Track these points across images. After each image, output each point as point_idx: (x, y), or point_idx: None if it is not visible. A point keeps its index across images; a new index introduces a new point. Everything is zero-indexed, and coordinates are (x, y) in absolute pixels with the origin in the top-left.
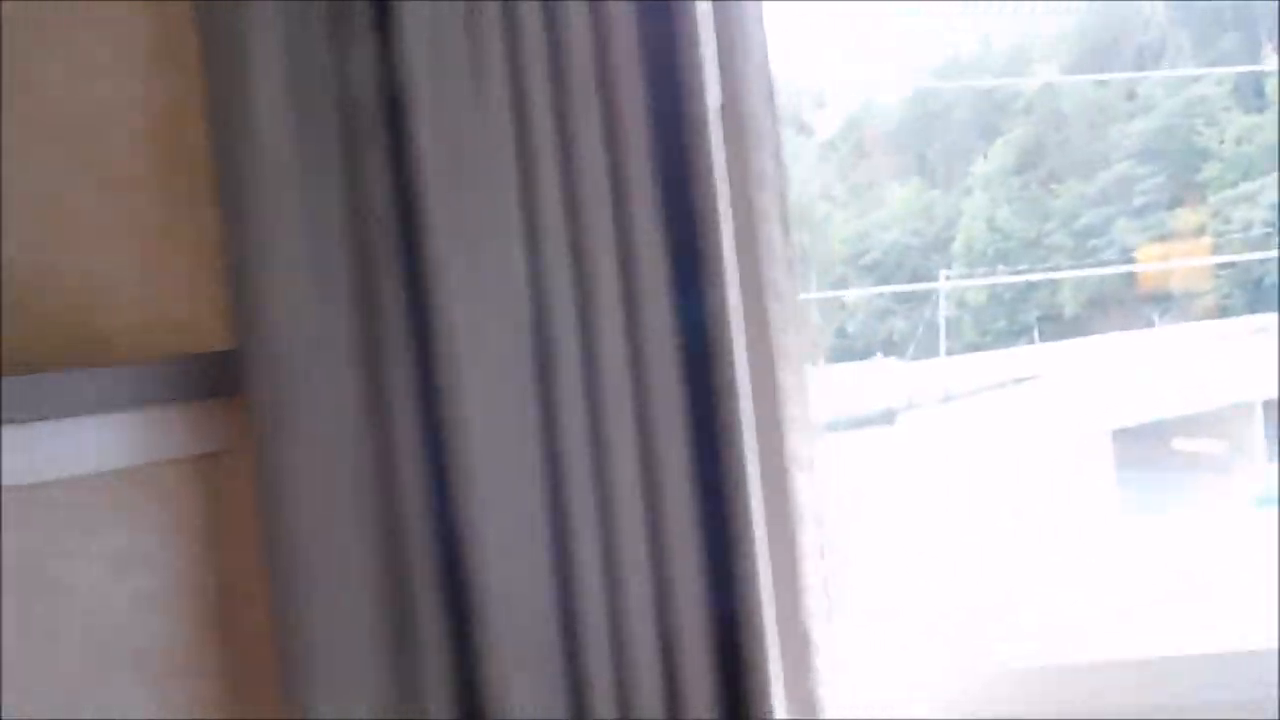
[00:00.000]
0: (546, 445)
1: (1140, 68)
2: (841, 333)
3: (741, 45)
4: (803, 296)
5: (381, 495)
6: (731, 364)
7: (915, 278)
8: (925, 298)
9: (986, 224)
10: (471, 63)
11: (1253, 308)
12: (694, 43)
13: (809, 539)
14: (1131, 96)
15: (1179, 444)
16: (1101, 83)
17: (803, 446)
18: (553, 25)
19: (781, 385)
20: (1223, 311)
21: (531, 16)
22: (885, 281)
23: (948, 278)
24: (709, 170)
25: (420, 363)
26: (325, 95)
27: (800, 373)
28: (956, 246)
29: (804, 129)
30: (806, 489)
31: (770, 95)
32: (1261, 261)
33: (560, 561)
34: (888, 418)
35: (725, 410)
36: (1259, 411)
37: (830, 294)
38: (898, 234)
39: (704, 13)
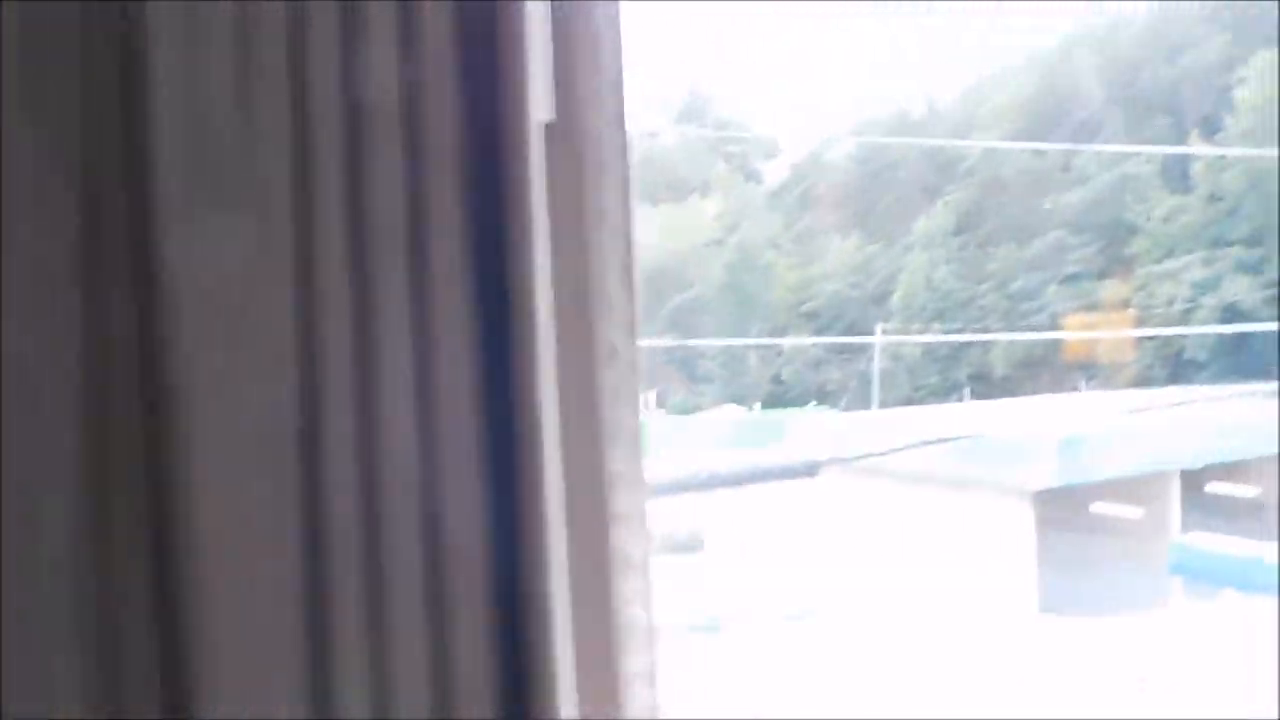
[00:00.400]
0: (308, 528)
1: (1076, 143)
2: (777, 379)
3: (587, 52)
4: (741, 341)
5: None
6: (540, 447)
7: (852, 329)
8: (861, 350)
9: (924, 281)
10: (236, 60)
11: (1173, 380)
12: (519, 46)
13: (631, 587)
14: (1067, 169)
15: (1097, 508)
16: (1040, 153)
17: (627, 502)
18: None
19: (609, 446)
20: (1145, 382)
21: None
22: (823, 331)
23: (884, 331)
24: (525, 201)
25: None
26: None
27: (631, 440)
28: (894, 301)
29: (753, 176)
30: (629, 544)
31: (620, 117)
32: (1182, 336)
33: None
34: (811, 469)
35: (530, 504)
36: (1176, 481)
37: (768, 340)
38: (838, 285)
39: (538, 12)
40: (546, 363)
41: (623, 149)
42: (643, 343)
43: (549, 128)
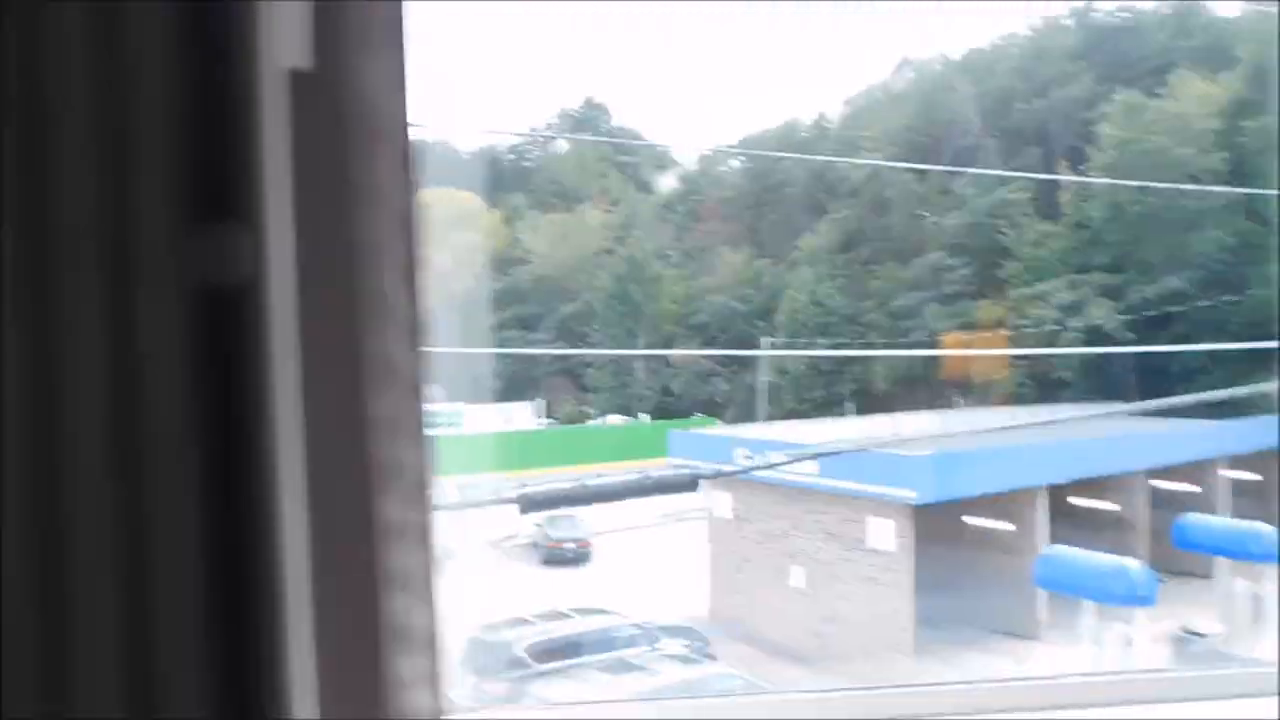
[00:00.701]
0: None
1: (956, 167)
2: (666, 391)
3: None
4: (630, 353)
5: None
6: (275, 484)
7: (740, 343)
8: (749, 363)
9: (810, 297)
10: None
11: (1043, 398)
12: None
13: (399, 606)
14: (946, 192)
15: (971, 521)
16: (921, 176)
17: (404, 514)
18: None
19: (381, 483)
20: (1016, 400)
21: None
22: (711, 344)
23: (771, 346)
24: (255, 167)
25: None
26: None
27: (413, 481)
28: (781, 316)
29: (644, 187)
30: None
31: (400, 75)
32: (1051, 356)
33: None
34: (691, 483)
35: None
36: (1044, 496)
37: (657, 352)
38: (726, 298)
39: None
40: (285, 380)
41: (403, 115)
42: (526, 350)
43: (298, 77)
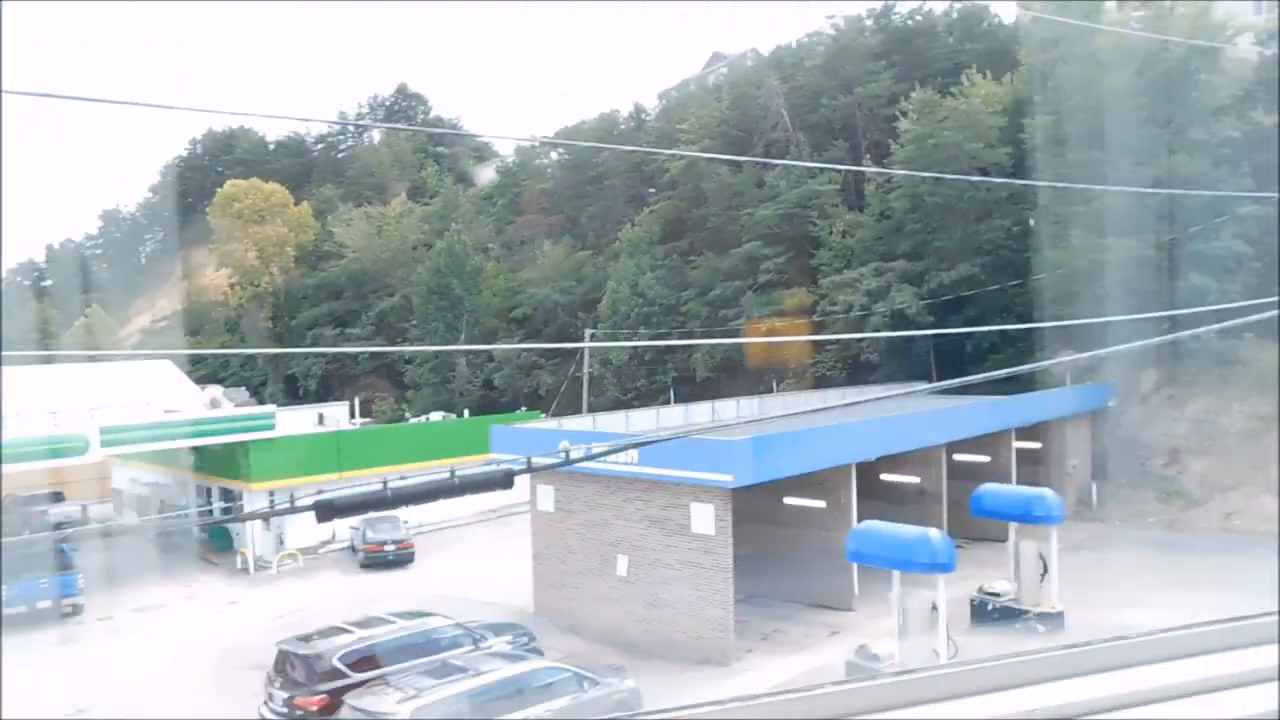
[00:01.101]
0: None
1: (768, 160)
2: (489, 384)
3: None
4: (445, 348)
5: None
6: None
7: (563, 334)
8: (571, 355)
9: (631, 288)
10: None
11: (852, 380)
12: None
13: None
14: (760, 184)
15: (788, 500)
16: (736, 168)
17: None
18: None
19: None
20: (827, 383)
21: None
22: (534, 336)
23: (593, 336)
24: None
25: None
26: None
27: None
28: (603, 307)
29: (463, 179)
30: None
31: None
32: (858, 340)
33: None
34: (504, 481)
35: None
36: (853, 473)
37: (478, 347)
38: (548, 291)
39: None
40: None
41: None
42: (341, 349)
43: None
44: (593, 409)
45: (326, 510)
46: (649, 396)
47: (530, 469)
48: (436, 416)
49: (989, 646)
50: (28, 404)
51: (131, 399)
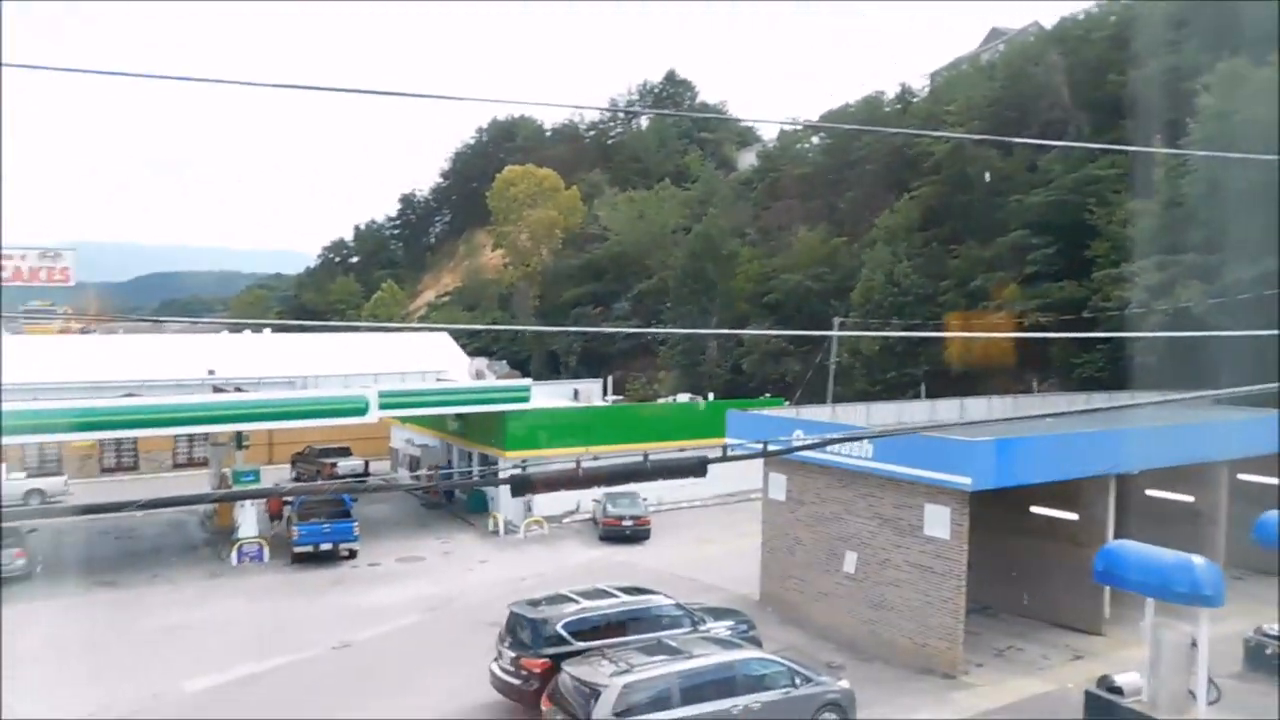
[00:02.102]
0: None
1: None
2: (737, 369)
3: None
4: (703, 331)
5: None
6: None
7: (813, 322)
8: (820, 343)
9: (886, 276)
10: None
11: (1122, 384)
12: None
13: None
14: (1033, 168)
15: (1034, 510)
16: (1007, 152)
17: None
18: None
19: None
20: (1096, 384)
21: None
22: (785, 323)
23: (843, 325)
24: None
25: None
26: None
27: None
28: (855, 295)
29: (724, 164)
30: None
31: None
32: (1132, 340)
33: None
34: (698, 468)
35: None
36: (1112, 486)
37: (729, 331)
38: (801, 277)
39: None
40: None
41: None
42: (601, 329)
43: None
44: (838, 399)
45: (522, 485)
46: (898, 389)
47: (741, 456)
48: (684, 398)
49: (1262, 699)
50: (324, 368)
51: (409, 367)
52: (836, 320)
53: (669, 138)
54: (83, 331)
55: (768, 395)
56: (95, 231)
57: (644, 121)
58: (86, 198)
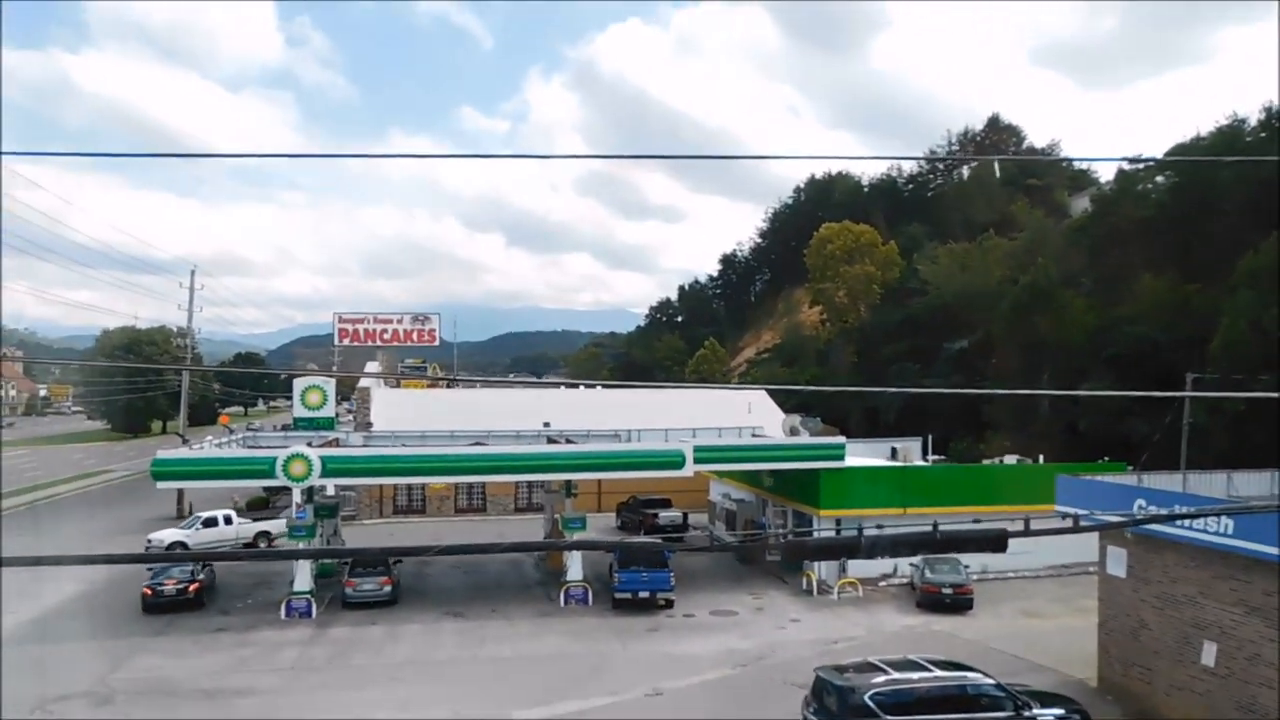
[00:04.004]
0: None
1: None
2: (1071, 429)
3: None
4: (1032, 391)
5: None
6: None
7: (1160, 378)
8: (1170, 401)
9: (1250, 325)
10: None
11: None
12: None
13: None
14: None
15: None
16: None
17: None
18: None
19: None
20: None
21: None
22: (1126, 379)
23: (1198, 382)
24: None
25: None
26: None
27: None
28: (1213, 347)
29: (1054, 210)
30: None
31: None
32: None
33: None
34: (997, 542)
35: None
36: None
37: (1064, 392)
38: (1146, 329)
39: None
40: None
41: None
42: (919, 389)
43: None
44: (1192, 465)
45: (795, 551)
46: (1270, 455)
47: (1104, 524)
48: (1011, 459)
49: None
50: (647, 421)
51: (727, 422)
52: (1190, 376)
53: (992, 186)
54: (447, 385)
55: (1106, 459)
56: (463, 296)
57: (965, 171)
58: (454, 269)
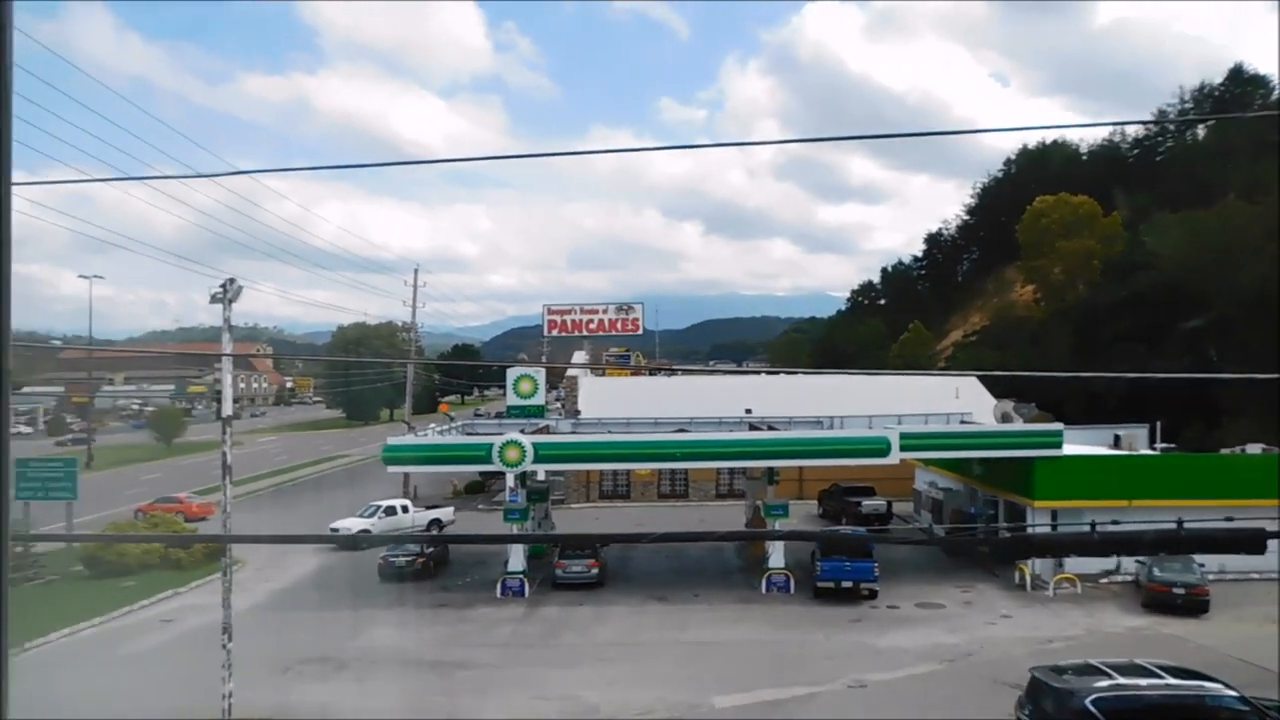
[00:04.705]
0: None
1: None
2: None
3: None
4: (1269, 376)
5: None
6: None
7: None
8: None
9: None
10: None
11: None
12: None
13: None
14: None
15: None
16: None
17: None
18: None
19: None
20: None
21: None
22: None
23: None
24: None
25: None
26: None
27: None
28: None
29: None
30: None
31: None
32: None
33: None
34: (1253, 544)
35: None
36: None
37: None
38: None
39: None
40: None
41: None
42: (1142, 374)
43: None
44: None
45: (1021, 548)
46: None
47: None
48: (1254, 449)
49: None
50: (850, 408)
51: (933, 408)
52: None
53: (1234, 145)
54: (650, 373)
55: None
56: (663, 285)
57: (1200, 132)
58: (654, 259)
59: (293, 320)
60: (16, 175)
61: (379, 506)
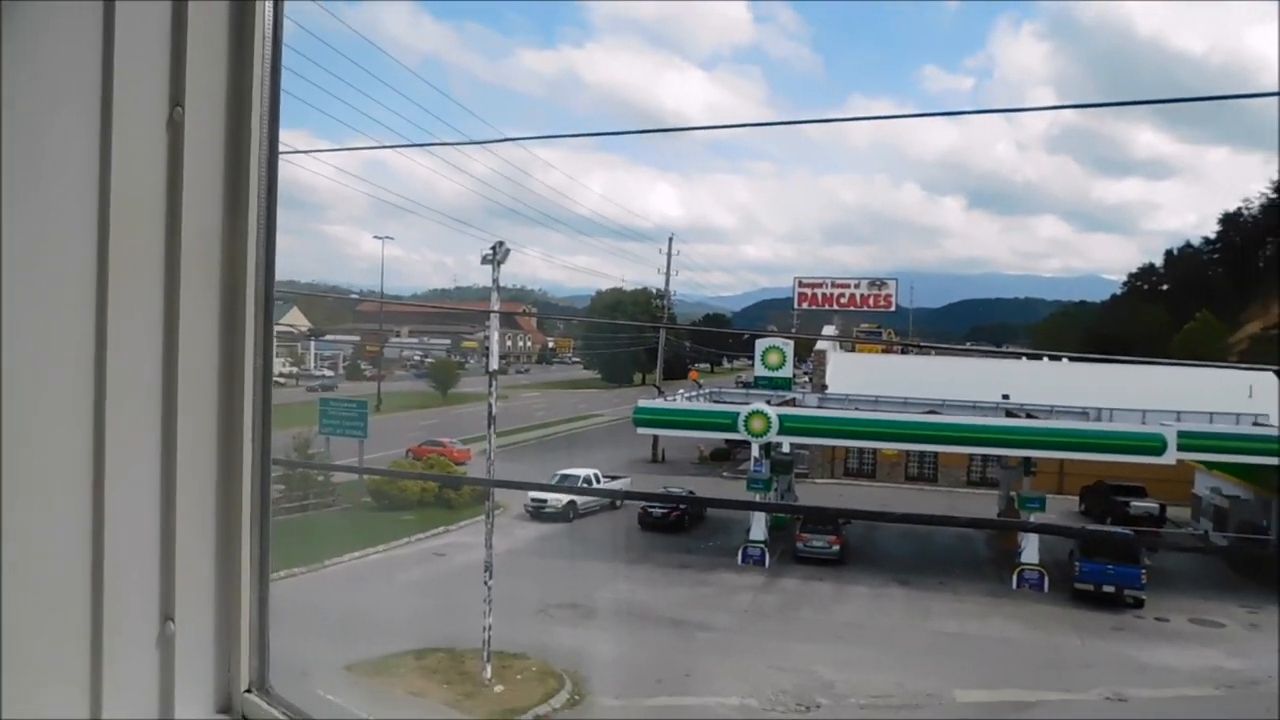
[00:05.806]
0: None
1: None
2: None
3: None
4: None
5: None
6: None
7: None
8: None
9: None
10: None
11: None
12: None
13: None
14: None
15: None
16: None
17: None
18: None
19: None
20: None
21: None
22: None
23: None
24: None
25: None
26: None
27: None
28: None
29: None
30: None
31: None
32: None
33: None
34: None
35: None
36: None
37: None
38: None
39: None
40: None
41: None
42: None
43: None
44: None
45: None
46: None
47: None
48: None
49: None
50: (1121, 401)
51: (1221, 406)
52: None
53: None
54: (901, 351)
55: None
56: (920, 262)
57: None
58: (912, 235)
59: (556, 284)
60: (323, 144)
61: (565, 475)
